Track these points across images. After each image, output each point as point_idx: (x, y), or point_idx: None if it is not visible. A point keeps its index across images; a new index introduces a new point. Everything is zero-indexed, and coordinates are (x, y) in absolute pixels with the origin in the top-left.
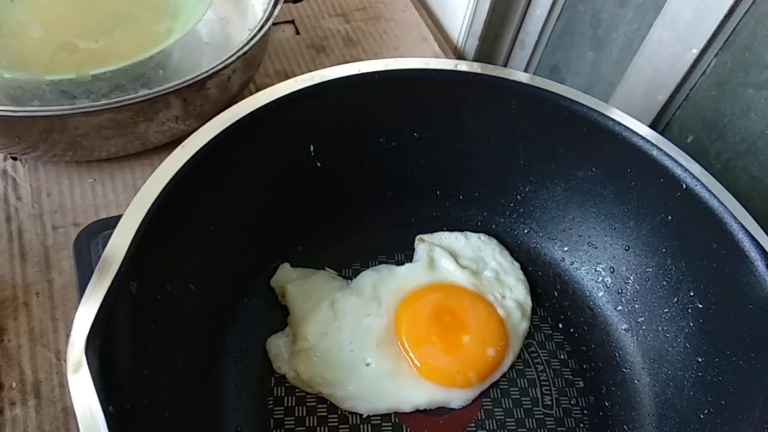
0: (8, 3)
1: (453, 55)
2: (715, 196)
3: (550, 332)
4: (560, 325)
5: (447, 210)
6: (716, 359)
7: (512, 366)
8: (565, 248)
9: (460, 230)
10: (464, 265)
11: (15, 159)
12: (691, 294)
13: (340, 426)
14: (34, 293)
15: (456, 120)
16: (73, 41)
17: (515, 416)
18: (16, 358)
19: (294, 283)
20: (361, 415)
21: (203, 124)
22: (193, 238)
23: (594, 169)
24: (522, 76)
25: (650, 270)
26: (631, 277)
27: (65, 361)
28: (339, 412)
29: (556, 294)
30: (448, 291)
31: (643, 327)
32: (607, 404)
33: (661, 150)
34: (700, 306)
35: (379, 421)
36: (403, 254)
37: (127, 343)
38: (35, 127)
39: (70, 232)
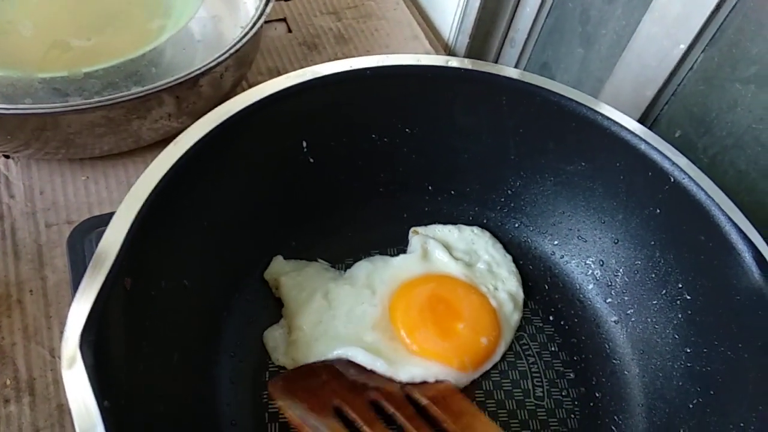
0: None
1: (444, 53)
2: (702, 190)
3: (541, 325)
4: (551, 318)
5: (439, 205)
6: (704, 350)
7: (504, 358)
8: (555, 242)
9: (454, 223)
10: (457, 257)
11: (7, 157)
12: (680, 286)
13: None
14: (27, 291)
15: (447, 116)
16: (66, 39)
17: (507, 407)
18: (10, 355)
19: (288, 275)
20: None
21: (196, 121)
22: (186, 234)
23: (583, 164)
24: (512, 72)
25: (639, 263)
26: (621, 270)
27: (59, 357)
28: None
29: (546, 287)
30: (442, 281)
31: (633, 319)
32: (597, 395)
33: (649, 144)
34: (689, 297)
35: None
36: (396, 249)
37: (121, 338)
38: (28, 125)
39: (63, 229)
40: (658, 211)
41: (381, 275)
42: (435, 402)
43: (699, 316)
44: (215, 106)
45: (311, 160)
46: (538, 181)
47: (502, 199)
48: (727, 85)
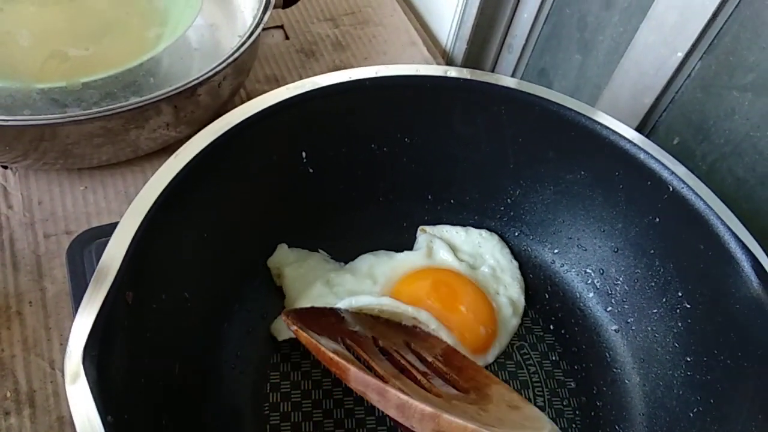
0: None
1: (442, 59)
2: (701, 199)
3: (541, 334)
4: (551, 327)
5: (438, 214)
6: (704, 358)
7: (504, 368)
8: (555, 251)
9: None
10: (462, 259)
11: (5, 167)
12: (679, 294)
13: (337, 429)
14: (26, 302)
15: (446, 125)
16: (63, 49)
17: None
18: (10, 367)
19: (291, 266)
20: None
21: (194, 130)
22: (186, 246)
23: (582, 173)
24: (510, 82)
25: (639, 271)
26: (620, 279)
27: (61, 371)
28: (336, 415)
29: (546, 296)
30: (446, 271)
31: (633, 327)
32: (598, 404)
33: (647, 153)
34: (688, 306)
35: None
36: None
37: (123, 352)
38: (26, 135)
39: (62, 240)
40: (658, 219)
41: (383, 267)
42: (438, 359)
43: (699, 324)
44: (213, 114)
45: (311, 170)
46: (538, 189)
47: (502, 208)
48: (724, 93)
